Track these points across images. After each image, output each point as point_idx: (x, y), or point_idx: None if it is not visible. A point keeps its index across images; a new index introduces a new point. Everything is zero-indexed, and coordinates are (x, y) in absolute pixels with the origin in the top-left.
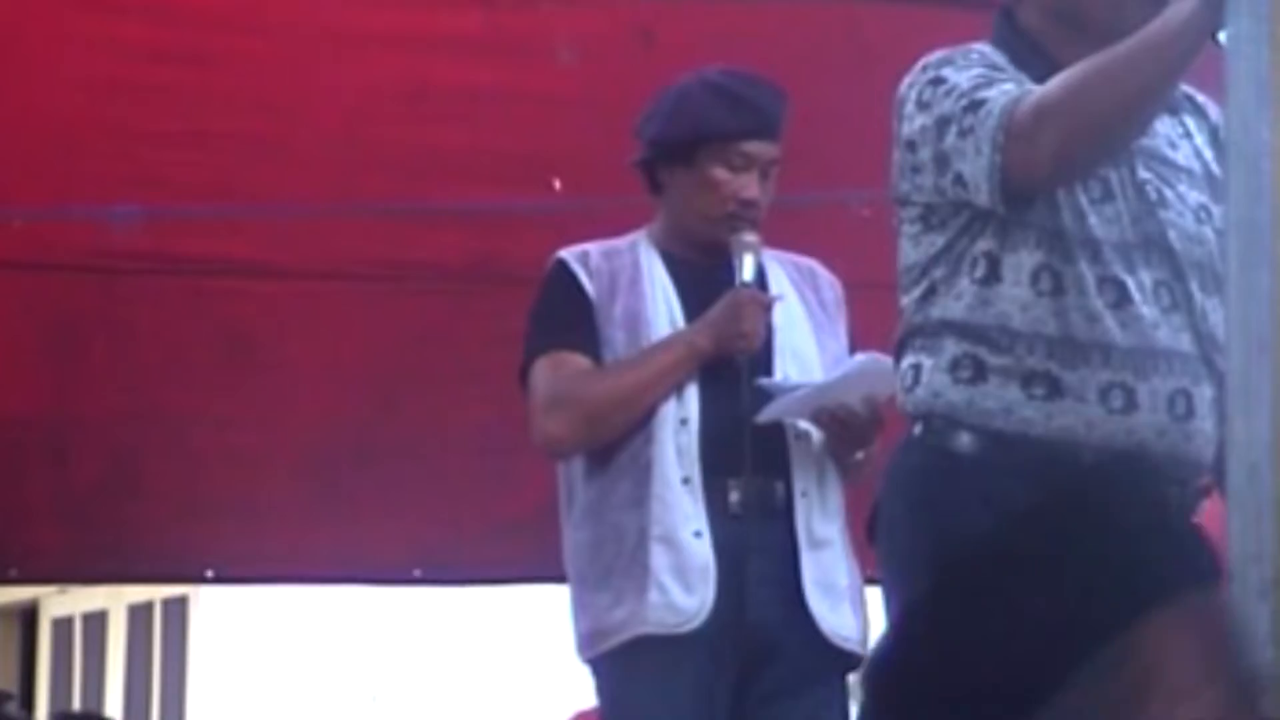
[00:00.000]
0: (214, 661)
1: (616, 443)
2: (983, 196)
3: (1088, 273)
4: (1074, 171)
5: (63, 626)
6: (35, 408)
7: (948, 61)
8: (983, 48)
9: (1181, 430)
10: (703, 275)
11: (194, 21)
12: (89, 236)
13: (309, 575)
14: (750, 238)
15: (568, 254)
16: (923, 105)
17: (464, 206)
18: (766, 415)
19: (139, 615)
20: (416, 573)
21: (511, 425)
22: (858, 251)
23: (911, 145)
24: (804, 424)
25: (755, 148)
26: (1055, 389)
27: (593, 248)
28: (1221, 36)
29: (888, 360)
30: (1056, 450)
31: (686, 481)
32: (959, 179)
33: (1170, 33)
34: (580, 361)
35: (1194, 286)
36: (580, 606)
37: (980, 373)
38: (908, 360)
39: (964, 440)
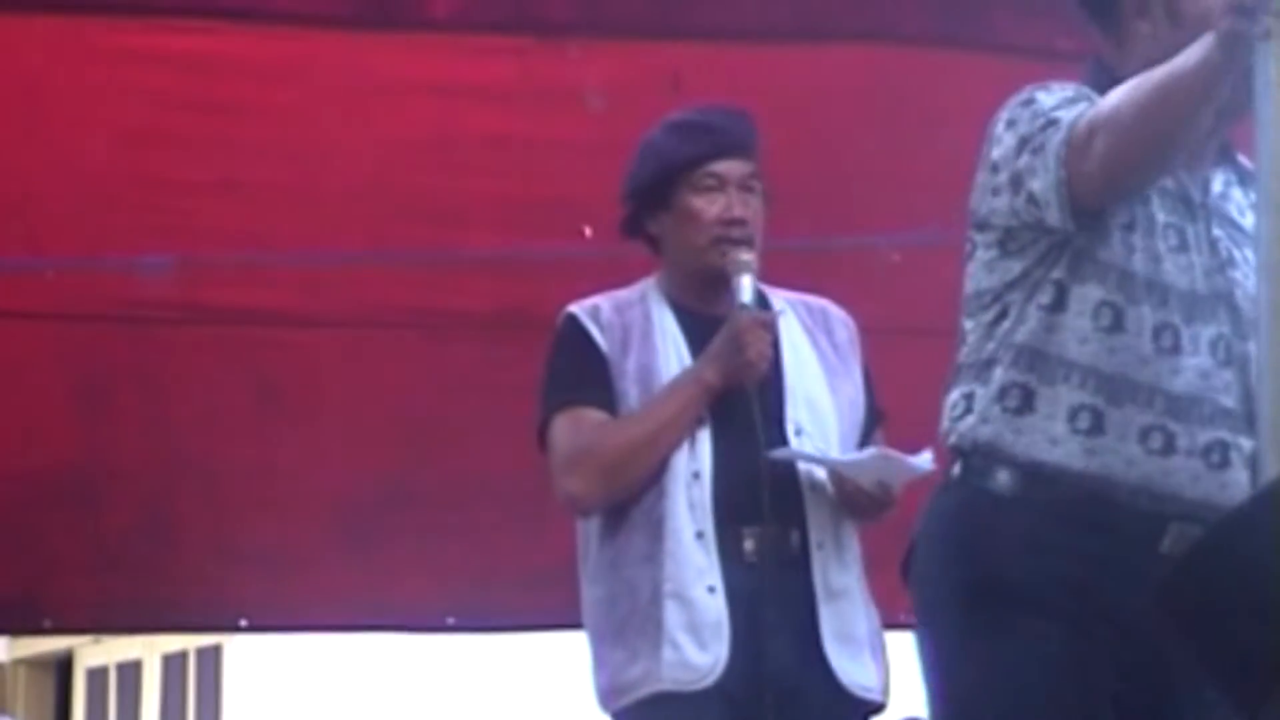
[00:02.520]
0: (248, 710)
1: (631, 499)
2: (1053, 213)
3: (1149, 316)
4: (1123, 185)
5: (97, 676)
6: (67, 458)
7: (1044, 86)
8: (1080, 89)
9: (1217, 479)
10: (712, 327)
11: (224, 71)
12: (120, 287)
13: (342, 624)
14: (745, 256)
15: (578, 309)
16: (1010, 125)
17: (495, 254)
18: (781, 454)
19: (173, 664)
20: (449, 621)
21: (542, 473)
22: (886, 296)
23: (995, 167)
24: (819, 474)
25: (722, 167)
26: (1098, 424)
27: (603, 301)
28: None
29: (900, 457)
30: (1094, 487)
31: (700, 536)
32: (1031, 198)
33: (1188, 69)
34: (597, 417)
35: (1249, 345)
36: (598, 661)
37: (1028, 402)
38: (960, 389)
39: (1002, 478)
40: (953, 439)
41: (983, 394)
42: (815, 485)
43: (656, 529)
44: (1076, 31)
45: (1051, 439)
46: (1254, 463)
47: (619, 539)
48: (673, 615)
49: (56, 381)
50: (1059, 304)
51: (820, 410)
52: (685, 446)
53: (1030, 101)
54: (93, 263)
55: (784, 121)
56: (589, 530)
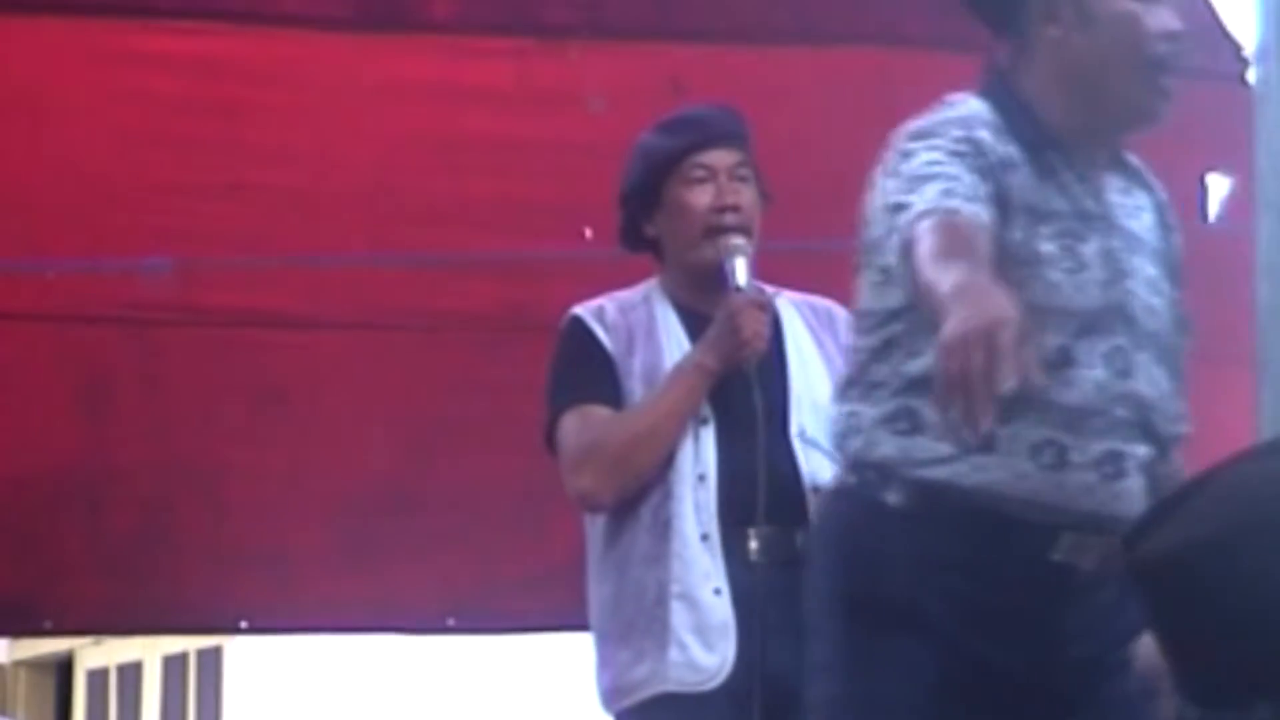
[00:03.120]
0: (249, 711)
1: (637, 498)
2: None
3: (1046, 342)
4: None
5: (98, 678)
6: (67, 460)
7: (924, 134)
8: (972, 110)
9: (1110, 489)
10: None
11: (225, 73)
12: (121, 288)
13: (342, 625)
14: (738, 240)
15: (583, 310)
16: (888, 173)
17: (496, 256)
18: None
19: (174, 666)
20: (450, 622)
21: (543, 474)
22: None
23: (873, 206)
24: (823, 477)
25: (710, 157)
26: (987, 442)
27: (607, 302)
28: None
29: None
30: (983, 502)
31: (705, 538)
32: (886, 279)
33: (936, 301)
34: (604, 414)
35: (1145, 355)
36: (602, 661)
37: (917, 425)
38: (848, 406)
39: (893, 493)
40: (843, 455)
41: (871, 415)
42: (818, 488)
43: (664, 530)
44: None
45: (940, 458)
46: (1150, 469)
47: (625, 539)
48: (679, 616)
49: (57, 383)
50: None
51: (824, 412)
52: (690, 448)
53: (909, 155)
54: (94, 264)
55: (784, 123)
56: (595, 531)
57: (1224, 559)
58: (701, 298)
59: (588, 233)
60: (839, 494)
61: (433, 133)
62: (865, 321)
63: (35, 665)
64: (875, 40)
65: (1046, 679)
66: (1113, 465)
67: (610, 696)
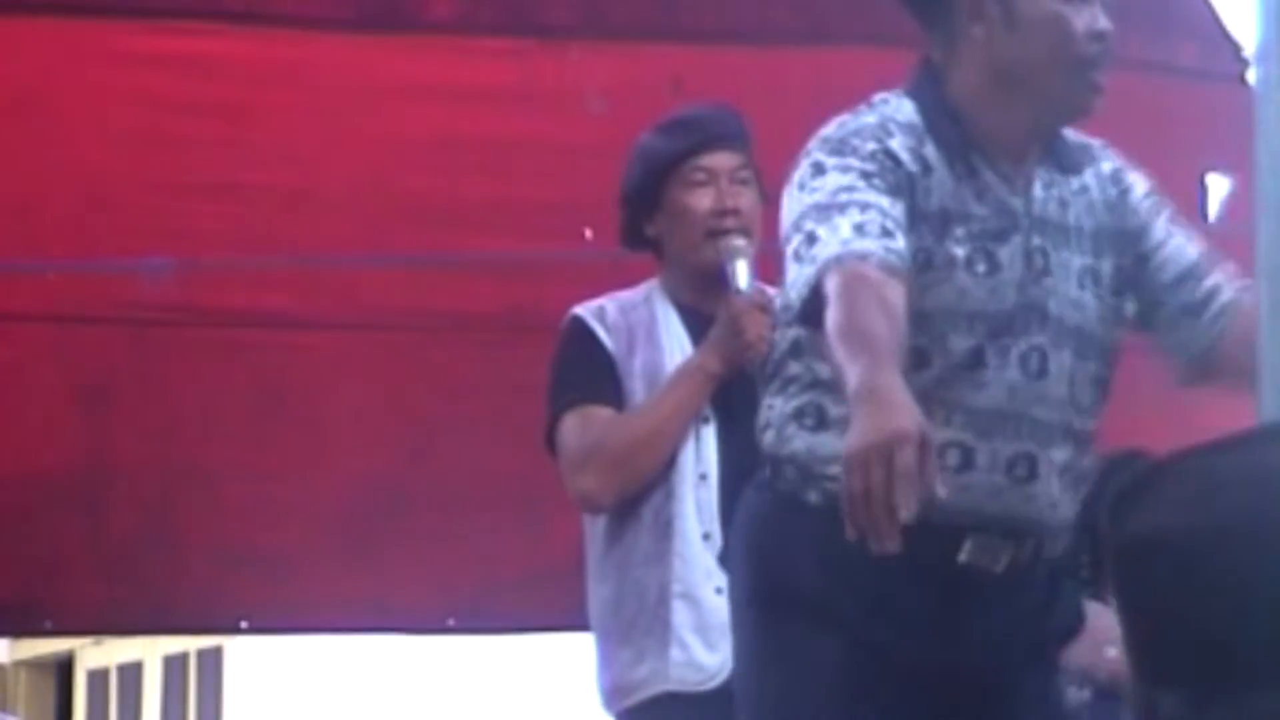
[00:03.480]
0: (249, 711)
1: (639, 498)
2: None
3: (956, 343)
4: None
5: (98, 678)
6: (68, 460)
7: (839, 147)
8: (893, 113)
9: (1021, 492)
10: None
11: (224, 74)
12: (121, 289)
13: (342, 625)
14: (739, 242)
15: (584, 310)
16: (800, 185)
17: (495, 256)
18: None
19: (174, 666)
20: (450, 622)
21: (542, 474)
22: None
23: (788, 208)
24: None
25: (710, 160)
26: None
27: (609, 303)
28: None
29: None
30: None
31: (707, 538)
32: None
33: (843, 389)
34: (605, 414)
35: (1066, 353)
36: (603, 661)
37: (822, 421)
38: (766, 398)
39: (808, 490)
40: (763, 446)
41: (781, 408)
42: None
43: (665, 530)
44: None
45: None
46: (1069, 469)
47: (627, 539)
48: (681, 615)
49: (57, 384)
50: None
51: None
52: (692, 447)
53: (820, 170)
54: (94, 265)
55: (784, 124)
56: (596, 531)
57: (1230, 545)
58: (703, 298)
59: (588, 233)
60: (757, 487)
61: (433, 133)
62: (784, 315)
63: (36, 665)
64: (875, 41)
65: (959, 677)
66: (1025, 468)
67: (611, 696)
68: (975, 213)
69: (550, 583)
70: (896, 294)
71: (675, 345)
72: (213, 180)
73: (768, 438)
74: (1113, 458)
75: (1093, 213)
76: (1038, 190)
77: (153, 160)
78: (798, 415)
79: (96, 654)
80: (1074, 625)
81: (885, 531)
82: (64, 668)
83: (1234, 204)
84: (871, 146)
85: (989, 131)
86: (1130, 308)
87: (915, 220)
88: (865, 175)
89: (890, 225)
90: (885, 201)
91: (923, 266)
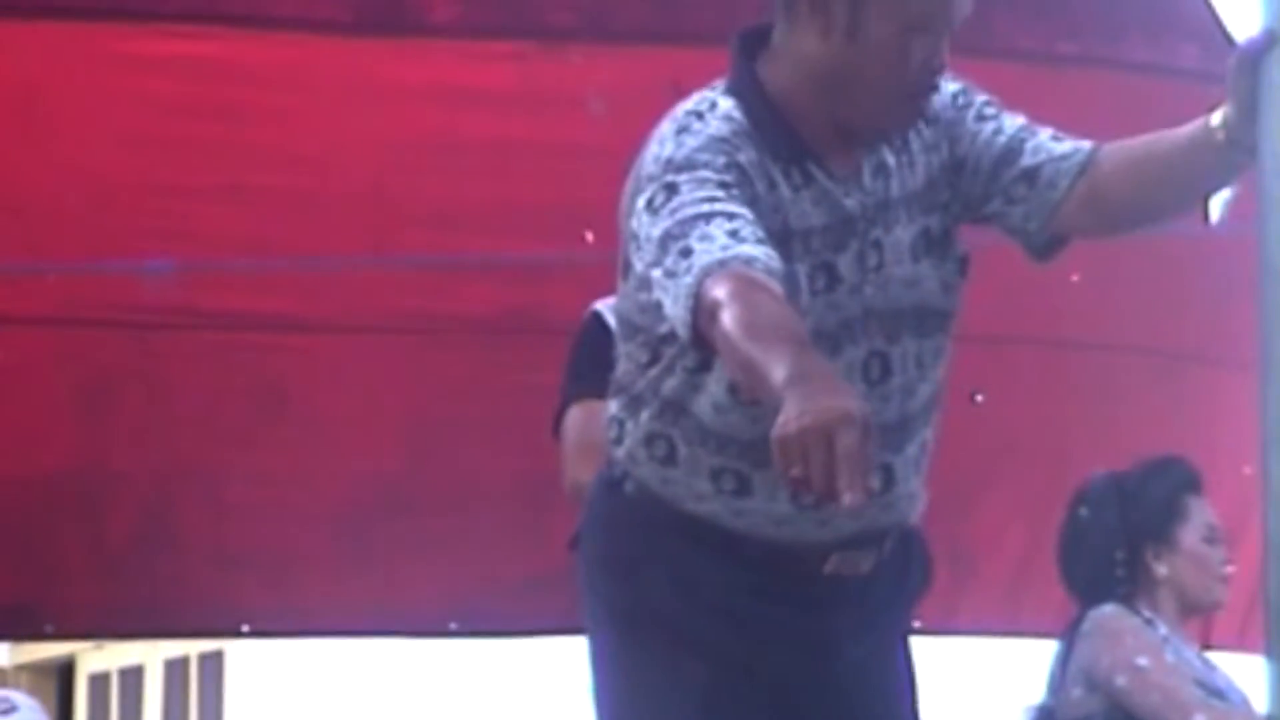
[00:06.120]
0: (250, 715)
1: None
2: (680, 334)
3: None
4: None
5: (99, 682)
6: (69, 463)
7: (687, 166)
8: (728, 123)
9: (881, 503)
10: None
11: (226, 77)
12: (122, 291)
13: (344, 628)
14: None
15: (603, 305)
16: (651, 207)
17: (496, 258)
18: None
19: (175, 670)
20: (452, 625)
21: (545, 476)
22: None
23: (634, 236)
24: None
25: None
26: (745, 487)
27: None
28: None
29: None
30: (745, 538)
31: None
32: (660, 308)
33: (762, 381)
34: None
35: (907, 340)
36: None
37: (672, 456)
38: (615, 410)
39: (655, 513)
40: (611, 455)
41: (632, 430)
42: None
43: None
44: (1076, 36)
45: (697, 495)
46: (921, 457)
47: None
48: None
49: (59, 386)
50: (704, 365)
51: None
52: None
53: (673, 190)
54: (95, 267)
55: None
56: None
57: None
58: None
59: (589, 236)
60: (605, 485)
61: (433, 135)
62: (628, 331)
63: (36, 669)
64: None
65: (822, 682)
66: (882, 478)
67: None
68: (814, 224)
69: (552, 586)
70: (786, 292)
71: None
72: (214, 183)
73: (618, 451)
74: (1150, 463)
75: (914, 169)
76: (866, 180)
77: (154, 163)
78: (647, 442)
79: (97, 658)
80: (926, 581)
81: (844, 489)
82: (65, 671)
83: (1237, 205)
84: (722, 160)
85: (811, 133)
86: (959, 214)
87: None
88: (724, 186)
89: (762, 234)
90: (749, 213)
91: None
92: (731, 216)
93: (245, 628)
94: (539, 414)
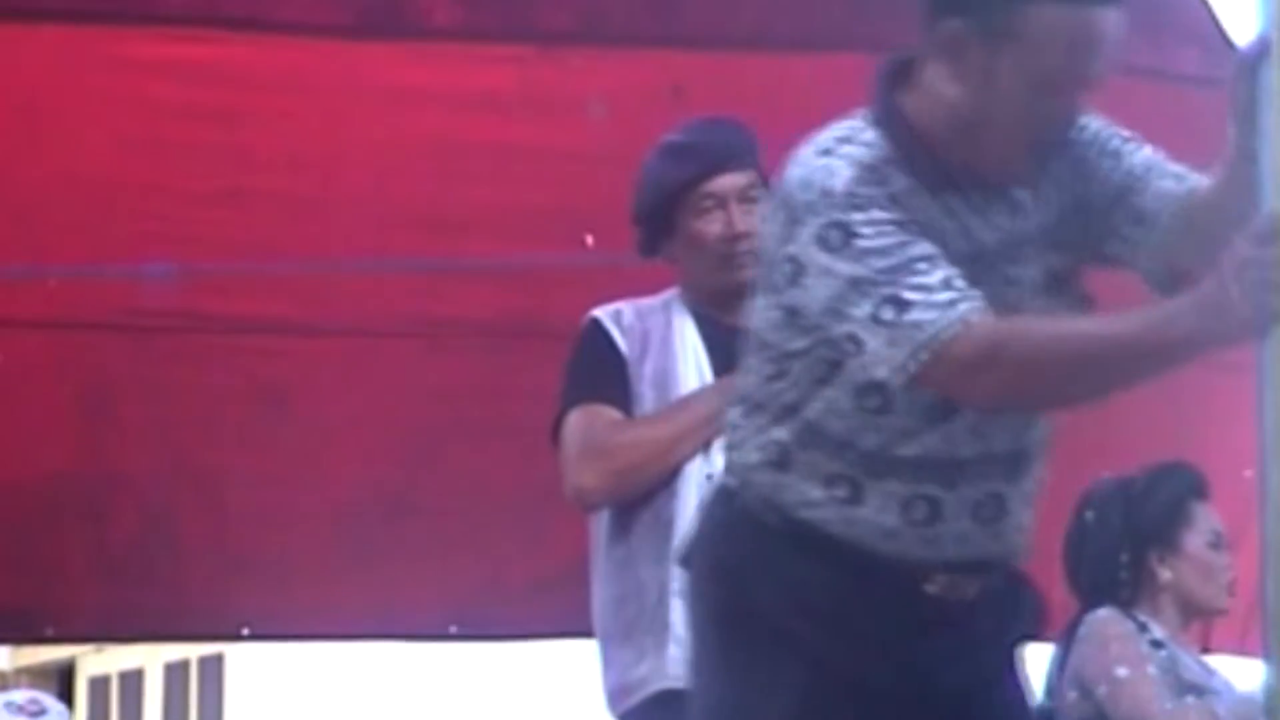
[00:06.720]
0: (250, 718)
1: (642, 500)
2: (878, 373)
3: (922, 398)
4: (1000, 408)
5: (99, 685)
6: (69, 466)
7: (852, 203)
8: (875, 153)
9: (989, 531)
10: (732, 335)
11: (226, 80)
12: (122, 295)
13: (345, 632)
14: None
15: (601, 312)
16: (827, 246)
17: (497, 263)
18: None
19: (175, 673)
20: (452, 629)
21: (545, 480)
22: None
23: (798, 265)
24: None
25: (718, 185)
26: (857, 495)
27: (626, 306)
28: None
29: None
30: (853, 548)
31: None
32: (855, 342)
33: (1165, 344)
34: (612, 415)
35: None
36: (606, 662)
37: (787, 461)
38: (733, 415)
39: (768, 513)
40: (728, 462)
41: (749, 435)
42: None
43: (666, 530)
44: None
45: (809, 501)
46: (1035, 492)
47: (629, 540)
48: (679, 613)
49: (59, 390)
50: (829, 377)
51: None
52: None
53: (847, 230)
54: (95, 271)
55: (785, 130)
56: (599, 531)
57: None
58: (719, 308)
59: (589, 239)
60: (719, 497)
61: (433, 139)
62: (759, 344)
63: (37, 672)
64: (875, 47)
65: (920, 703)
66: (992, 508)
67: (615, 697)
68: (962, 252)
69: (553, 589)
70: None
71: (689, 353)
72: (214, 186)
73: (734, 457)
74: (1156, 468)
75: (1047, 205)
76: (1001, 216)
77: (154, 166)
78: (763, 448)
79: (98, 661)
80: (1034, 628)
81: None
82: (65, 675)
83: None
84: (880, 193)
85: (954, 165)
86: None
87: None
88: (899, 225)
89: (962, 274)
90: (938, 251)
91: None
92: (931, 259)
93: (246, 631)
94: (540, 417)
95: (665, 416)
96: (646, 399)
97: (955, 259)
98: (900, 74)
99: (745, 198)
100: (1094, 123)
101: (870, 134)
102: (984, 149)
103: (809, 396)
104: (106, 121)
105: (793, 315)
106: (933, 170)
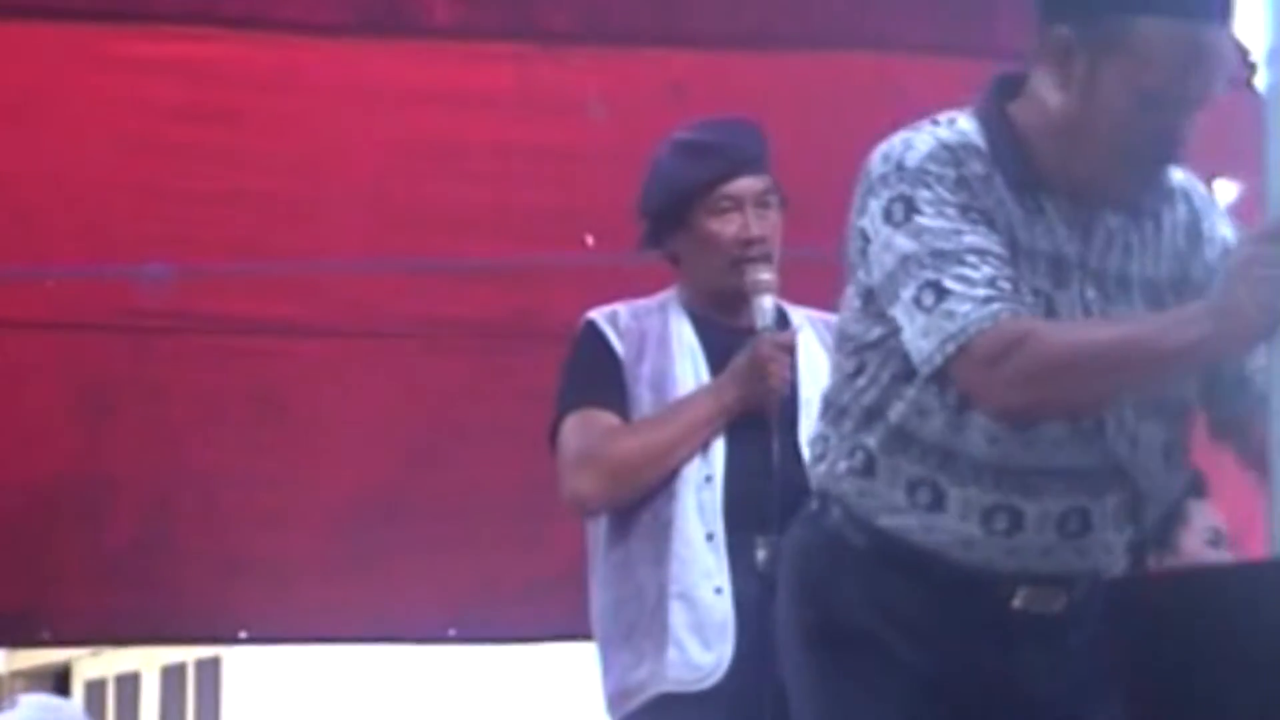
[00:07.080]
0: None
1: (640, 502)
2: (915, 361)
3: None
4: (1014, 414)
5: (96, 688)
6: (67, 468)
7: (920, 177)
8: (961, 136)
9: (1073, 546)
10: (729, 337)
11: (225, 80)
12: (120, 296)
13: (342, 635)
14: (765, 275)
15: (597, 314)
16: (890, 219)
17: (497, 263)
18: None
19: (172, 676)
20: (451, 632)
21: (544, 482)
22: None
23: (866, 238)
24: None
25: (735, 187)
26: (939, 501)
27: (622, 308)
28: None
29: None
30: (935, 558)
31: (710, 538)
32: (898, 325)
33: (1180, 348)
34: (609, 419)
35: (1124, 410)
36: (606, 666)
37: (870, 467)
38: (821, 429)
39: (850, 530)
40: (813, 478)
41: (835, 444)
42: None
43: (664, 532)
44: None
45: (892, 508)
46: (1130, 514)
47: (627, 543)
48: (678, 616)
49: (57, 391)
50: (907, 376)
51: None
52: (700, 451)
53: (911, 205)
54: (93, 272)
55: (786, 129)
56: (598, 534)
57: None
58: (719, 311)
59: (589, 239)
60: (804, 521)
61: (433, 139)
62: (842, 339)
63: (32, 676)
64: (876, 46)
65: (1011, 714)
66: (1077, 522)
67: (614, 701)
68: (1041, 250)
69: (552, 592)
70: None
71: (686, 355)
72: (212, 186)
73: (820, 469)
74: None
75: (1159, 261)
76: (1099, 238)
77: (152, 166)
78: (848, 455)
79: (94, 664)
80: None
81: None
82: (61, 678)
83: (1242, 209)
84: (952, 174)
85: (1050, 169)
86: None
87: None
88: (962, 210)
89: (1010, 275)
90: (995, 245)
91: None
92: (982, 254)
93: (243, 634)
94: (539, 418)
95: (662, 420)
96: (643, 400)
97: (1032, 255)
98: (1015, 83)
99: (761, 202)
100: (1218, 232)
101: (966, 123)
102: (1080, 160)
103: (890, 396)
104: (105, 121)
105: (868, 301)
106: (1022, 164)
